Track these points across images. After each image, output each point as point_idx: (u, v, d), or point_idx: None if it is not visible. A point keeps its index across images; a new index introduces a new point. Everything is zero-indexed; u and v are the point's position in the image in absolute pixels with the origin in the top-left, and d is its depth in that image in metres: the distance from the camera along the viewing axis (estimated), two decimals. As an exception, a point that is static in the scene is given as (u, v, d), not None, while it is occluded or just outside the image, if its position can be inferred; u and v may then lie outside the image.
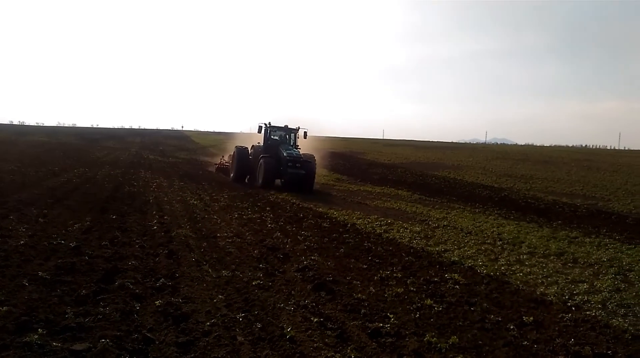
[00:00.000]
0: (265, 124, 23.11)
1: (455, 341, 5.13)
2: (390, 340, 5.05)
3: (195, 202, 14.08)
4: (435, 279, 7.74)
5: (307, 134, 23.67)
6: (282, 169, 21.47)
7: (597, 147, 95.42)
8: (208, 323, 5.01)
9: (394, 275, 7.80)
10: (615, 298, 7.46)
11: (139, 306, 5.33)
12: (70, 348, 4.08)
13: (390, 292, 6.76)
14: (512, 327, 5.72)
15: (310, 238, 10.11)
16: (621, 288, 8.09)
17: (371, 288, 6.92)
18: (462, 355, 4.78)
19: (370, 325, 5.41)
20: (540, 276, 8.45)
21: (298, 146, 23.36)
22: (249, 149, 23.81)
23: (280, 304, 5.85)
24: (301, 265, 7.73)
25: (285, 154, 21.52)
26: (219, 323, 5.06)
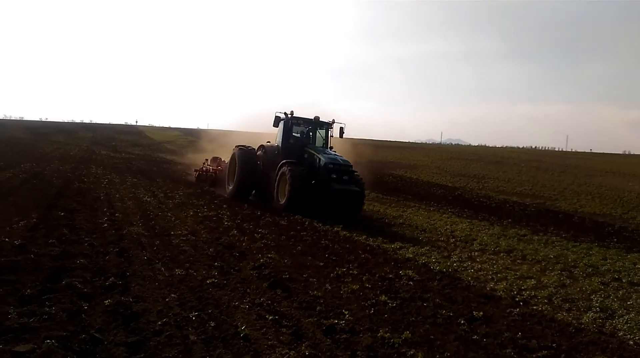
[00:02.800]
0: (285, 114, 16.16)
1: (408, 336, 5.21)
2: (344, 336, 5.08)
3: (148, 199, 13.73)
4: (390, 275, 7.85)
5: (344, 130, 16.61)
6: (319, 184, 14.25)
7: (546, 148, 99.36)
8: (159, 323, 4.89)
9: (350, 272, 7.86)
10: (560, 293, 7.79)
11: (87, 306, 5.14)
12: (13, 350, 3.89)
13: (346, 289, 6.80)
14: (462, 322, 5.87)
15: (268, 235, 10.04)
16: (566, 284, 8.46)
17: (327, 285, 6.95)
18: (414, 350, 4.86)
19: (325, 321, 5.42)
20: (491, 273, 8.71)
21: (332, 147, 16.56)
22: (256, 150, 16.95)
23: (235, 302, 5.78)
24: (257, 263, 7.66)
25: (324, 159, 14.55)
26: (171, 323, 4.95)
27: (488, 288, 7.67)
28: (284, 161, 15.05)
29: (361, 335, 5.16)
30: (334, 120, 16.64)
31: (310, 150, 15.57)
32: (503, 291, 7.51)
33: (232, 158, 17.11)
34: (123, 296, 5.57)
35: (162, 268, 6.89)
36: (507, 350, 5.12)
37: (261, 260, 7.81)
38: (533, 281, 8.32)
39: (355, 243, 10.26)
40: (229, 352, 4.43)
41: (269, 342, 4.70)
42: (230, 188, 16.86)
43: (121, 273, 6.40)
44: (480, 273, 8.66)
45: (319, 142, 16.82)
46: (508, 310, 6.55)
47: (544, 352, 5.07)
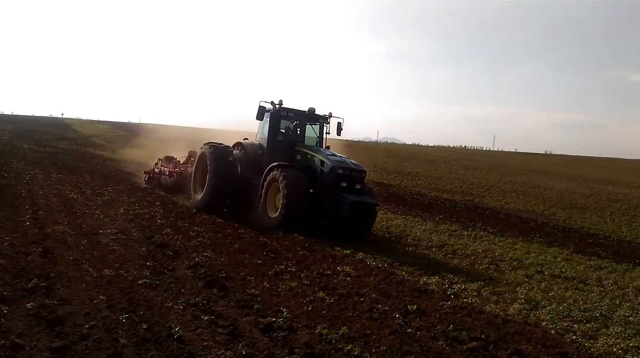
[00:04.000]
0: (272, 103, 13.12)
1: (345, 331, 5.27)
2: (282, 334, 5.04)
3: (75, 196, 13.00)
4: (328, 272, 7.91)
5: (342, 126, 13.97)
6: (323, 194, 11.41)
7: (475, 148, 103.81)
8: (87, 326, 4.65)
9: (289, 269, 7.83)
10: (488, 286, 8.16)
11: (7, 310, 4.81)
12: None
13: (284, 286, 6.77)
14: (397, 316, 6.01)
15: (204, 233, 9.81)
16: (494, 277, 8.88)
17: (265, 283, 6.88)
18: (351, 345, 4.91)
19: (262, 320, 5.36)
20: (424, 267, 8.98)
21: (329, 147, 13.89)
22: (233, 149, 13.77)
23: (169, 303, 5.59)
24: (192, 261, 7.46)
25: (330, 163, 11.56)
26: (100, 326, 4.71)
27: (421, 283, 7.90)
28: (275, 164, 11.89)
29: (299, 332, 5.15)
30: (330, 113, 13.70)
31: (306, 150, 12.64)
32: (435, 285, 7.77)
33: (201, 158, 13.77)
34: (47, 299, 5.25)
35: (90, 269, 6.56)
36: (440, 342, 5.29)
37: (196, 259, 7.61)
38: (463, 275, 8.66)
39: (294, 240, 10.24)
40: (162, 354, 4.28)
41: (204, 343, 4.58)
42: (199, 196, 13.41)
43: (45, 275, 6.02)
44: (414, 268, 8.90)
45: (309, 141, 13.84)
46: (440, 303, 6.78)
47: (474, 343, 5.28)
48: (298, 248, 9.52)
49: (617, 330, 6.49)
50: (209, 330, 4.92)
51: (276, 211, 11.57)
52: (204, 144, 13.88)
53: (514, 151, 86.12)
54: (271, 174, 11.82)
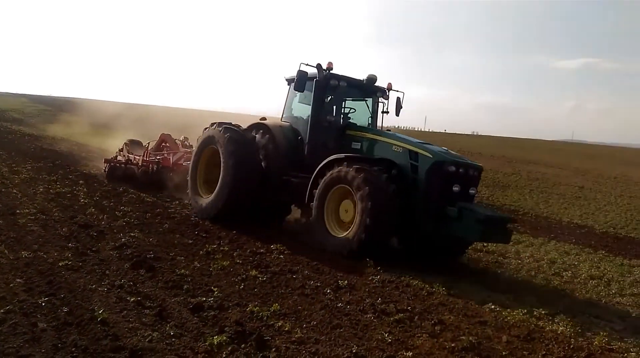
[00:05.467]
0: (319, 67, 9.49)
1: (277, 308, 5.30)
2: (212, 313, 4.99)
3: (-11, 174, 12.09)
4: (262, 250, 7.89)
5: (402, 102, 10.54)
6: (425, 205, 8.09)
7: (408, 128, 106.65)
8: (2, 311, 4.38)
9: (221, 248, 7.74)
10: (415, 260, 8.46)
11: None
12: None
13: (215, 266, 6.68)
14: (329, 291, 6.12)
15: (131, 213, 9.45)
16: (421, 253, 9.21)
17: (196, 262, 6.76)
18: (282, 321, 4.95)
19: (192, 300, 5.27)
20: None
21: (390, 130, 10.50)
22: (254, 134, 10.14)
23: (92, 285, 5.37)
24: (118, 242, 7.17)
25: (432, 156, 8.17)
26: (16, 310, 4.46)
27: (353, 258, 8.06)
28: (341, 156, 8.41)
29: (230, 310, 5.13)
30: (390, 85, 10.32)
31: (372, 136, 9.18)
32: (366, 260, 7.95)
33: (204, 145, 10.24)
34: (-45, 284, 4.87)
35: (6, 251, 6.16)
36: (368, 315, 5.45)
37: (123, 239, 7.33)
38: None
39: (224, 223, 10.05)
40: (84, 338, 4.11)
41: (130, 325, 4.45)
42: (206, 200, 9.85)
43: (-48, 259, 5.59)
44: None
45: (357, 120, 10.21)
46: (370, 278, 6.97)
47: (400, 315, 5.48)
48: (231, 228, 9.39)
49: (532, 300, 6.97)
50: (135, 312, 4.78)
51: (344, 228, 8.19)
52: (211, 125, 10.21)
53: (444, 131, 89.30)
54: (335, 171, 8.22)
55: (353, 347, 4.53)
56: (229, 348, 4.24)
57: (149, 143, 14.65)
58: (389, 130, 10.36)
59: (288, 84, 10.50)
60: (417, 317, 5.56)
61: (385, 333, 4.96)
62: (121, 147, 15.25)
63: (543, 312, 6.26)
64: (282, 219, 10.61)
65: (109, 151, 17.50)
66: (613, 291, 8.33)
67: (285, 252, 7.86)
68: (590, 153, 49.66)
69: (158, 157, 13.78)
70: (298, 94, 10.11)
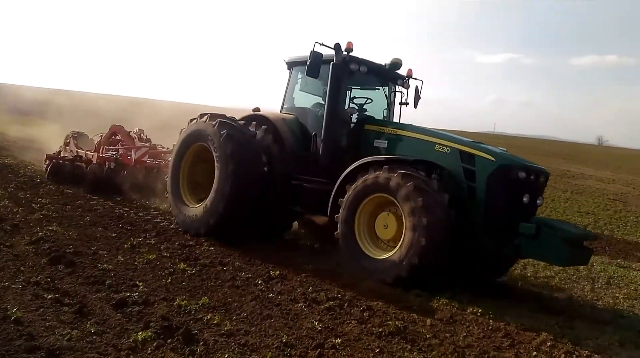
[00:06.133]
0: (337, 48, 7.85)
1: (206, 301, 5.20)
2: (137, 308, 4.82)
3: None
4: (191, 243, 7.69)
5: (420, 92, 9.17)
6: (486, 220, 6.66)
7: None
8: None
9: (147, 241, 7.46)
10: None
11: None
12: None
13: (141, 260, 6.44)
14: (260, 282, 6.08)
15: (49, 205, 8.88)
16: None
17: (120, 257, 6.48)
18: (211, 314, 4.87)
19: (115, 295, 5.06)
20: (293, 233, 9.18)
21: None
22: (255, 129, 8.43)
23: (5, 283, 5.02)
24: (35, 236, 6.72)
25: (492, 159, 6.68)
26: None
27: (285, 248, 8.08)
28: (381, 158, 7.00)
29: (156, 305, 4.97)
30: (411, 71, 8.95)
31: (406, 133, 7.64)
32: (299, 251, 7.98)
33: (190, 141, 8.46)
34: None
35: None
36: (299, 304, 5.48)
37: (40, 234, 6.88)
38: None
39: (153, 214, 9.73)
40: (-6, 340, 3.83)
41: (47, 323, 4.20)
42: (196, 211, 8.07)
43: None
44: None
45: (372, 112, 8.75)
46: (302, 267, 6.99)
47: (331, 303, 5.56)
48: (158, 219, 9.10)
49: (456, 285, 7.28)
50: (53, 310, 4.51)
51: (382, 248, 6.89)
52: (200, 117, 8.40)
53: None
54: (370, 177, 6.75)
55: (283, 336, 4.54)
56: (155, 344, 4.12)
57: (102, 135, 12.49)
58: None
59: (289, 69, 9.09)
60: (346, 304, 5.65)
61: (316, 321, 5.01)
62: (67, 141, 12.82)
63: (465, 298, 6.53)
64: (285, 231, 9.08)
65: (35, 142, 16.31)
66: (529, 274, 8.88)
67: (216, 244, 7.71)
68: (512, 144, 52.57)
69: (115, 153, 11.62)
70: (299, 80, 8.95)
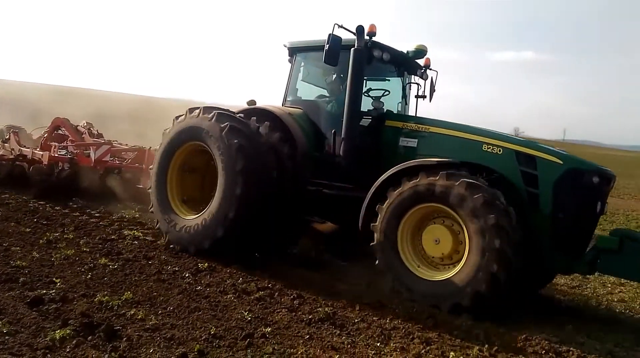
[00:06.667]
0: (359, 32, 6.66)
1: (129, 296, 5.00)
2: (54, 306, 4.55)
3: None
4: (113, 237, 7.37)
5: (435, 84, 8.19)
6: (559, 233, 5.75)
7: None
8: None
9: (65, 236, 7.05)
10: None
11: None
12: None
13: (58, 255, 6.08)
14: (187, 275, 5.94)
15: (-48, 201, 8.18)
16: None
17: (35, 253, 6.08)
18: (135, 309, 4.70)
19: (30, 293, 4.75)
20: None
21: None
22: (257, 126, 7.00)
23: None
24: (-64, 234, 6.18)
25: (560, 162, 5.78)
26: None
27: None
28: (423, 161, 6.04)
29: (75, 302, 4.72)
30: (429, 61, 8.00)
31: (442, 130, 6.64)
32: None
33: (182, 142, 7.14)
34: None
35: None
36: (229, 296, 5.40)
37: (-58, 231, 6.33)
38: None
39: (70, 207, 9.19)
40: None
41: (-50, 327, 3.88)
42: (194, 222, 6.83)
43: None
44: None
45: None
46: (233, 259, 6.88)
47: (261, 293, 5.53)
48: (77, 213, 8.63)
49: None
50: (-43, 313, 4.17)
51: (432, 266, 5.93)
52: (190, 112, 7.12)
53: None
54: (422, 183, 5.73)
55: (211, 328, 4.47)
56: (74, 342, 3.91)
57: (46, 131, 11.04)
58: None
59: (290, 56, 8.00)
60: (277, 293, 5.65)
61: (245, 311, 4.97)
62: (6, 136, 11.19)
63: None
64: (292, 245, 7.87)
65: None
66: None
67: (141, 238, 7.45)
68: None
69: (72, 154, 10.05)
70: (302, 69, 7.97)
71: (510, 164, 5.99)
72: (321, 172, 7.13)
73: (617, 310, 7.10)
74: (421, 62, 8.04)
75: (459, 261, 5.64)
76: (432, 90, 8.16)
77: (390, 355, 4.38)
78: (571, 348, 4.81)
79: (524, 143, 6.16)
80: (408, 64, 7.88)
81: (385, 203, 5.98)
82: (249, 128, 6.80)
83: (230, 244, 6.66)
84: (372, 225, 6.11)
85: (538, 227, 5.75)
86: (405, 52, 7.67)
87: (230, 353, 4.11)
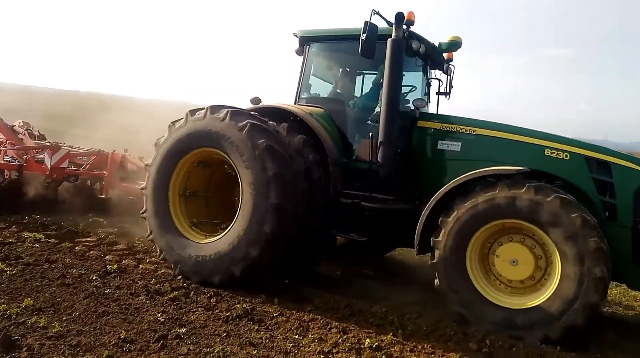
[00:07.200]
0: (399, 20, 5.77)
1: (30, 303, 4.64)
2: (-63, 320, 4.12)
3: None
4: (11, 240, 6.82)
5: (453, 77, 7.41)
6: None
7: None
8: None
9: (-47, 242, 6.41)
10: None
11: None
12: None
13: (-59, 264, 5.51)
14: (95, 278, 5.61)
15: None
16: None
17: None
18: (36, 317, 4.37)
19: None
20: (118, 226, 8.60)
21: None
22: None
23: None
24: None
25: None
26: None
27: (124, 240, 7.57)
28: (500, 169, 5.26)
29: (-36, 314, 4.30)
30: (452, 55, 7.35)
31: (492, 132, 5.87)
32: (142, 245, 7.51)
33: (188, 149, 6.02)
34: None
35: None
36: (140, 298, 5.17)
37: None
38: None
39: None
40: None
41: None
42: (214, 244, 5.76)
43: None
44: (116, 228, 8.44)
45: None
46: (148, 260, 6.61)
47: (175, 293, 5.35)
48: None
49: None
50: None
51: (503, 289, 5.19)
52: (191, 114, 5.99)
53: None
54: (500, 195, 4.96)
55: (122, 332, 4.25)
56: (-37, 357, 3.57)
57: None
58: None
59: (302, 46, 7.07)
60: (192, 292, 5.50)
61: (159, 313, 4.79)
62: None
63: (314, 278, 6.76)
64: (317, 264, 7.09)
65: None
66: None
67: (42, 240, 6.93)
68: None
69: (15, 158, 8.62)
70: (313, 64, 7.02)
71: (580, 171, 5.34)
72: (353, 181, 6.25)
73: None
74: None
75: (534, 285, 5.04)
76: (451, 86, 7.46)
77: (309, 347, 4.41)
78: (477, 330, 5.09)
79: (593, 148, 5.46)
80: (435, 58, 7.05)
81: (452, 216, 5.16)
82: (271, 127, 5.88)
83: (267, 265, 5.74)
84: (433, 239, 5.31)
85: (615, 241, 5.07)
86: (438, 44, 6.87)
87: (143, 357, 3.94)
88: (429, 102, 7.28)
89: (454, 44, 6.88)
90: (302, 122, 6.27)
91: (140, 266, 6.24)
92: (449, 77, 7.37)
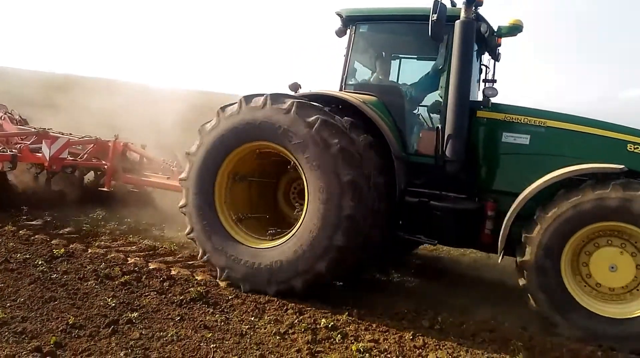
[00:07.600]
0: (469, 3, 5.21)
1: (-30, 291, 4.42)
2: None
3: None
4: (-54, 226, 6.43)
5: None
6: None
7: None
8: None
9: None
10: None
11: None
12: None
13: None
14: (41, 263, 5.37)
15: None
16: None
17: None
18: (-25, 305, 4.15)
19: None
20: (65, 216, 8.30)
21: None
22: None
23: None
24: None
25: None
26: None
27: (71, 225, 7.30)
28: (601, 167, 4.84)
29: None
30: (501, 40, 6.61)
31: (566, 125, 5.29)
32: (88, 226, 7.29)
33: (237, 143, 5.44)
34: None
35: None
36: (90, 282, 5.00)
37: None
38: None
39: None
40: None
41: None
42: (278, 249, 5.21)
43: None
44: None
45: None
46: (95, 244, 6.41)
47: (127, 277, 5.20)
48: None
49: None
50: None
51: (601, 298, 4.80)
52: (246, 101, 5.37)
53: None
54: (618, 198, 4.55)
55: (70, 318, 4.11)
56: None
57: None
58: None
59: (346, 27, 6.33)
60: (145, 276, 5.36)
61: (109, 298, 4.65)
62: None
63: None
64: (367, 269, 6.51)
65: None
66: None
67: (-18, 225, 6.58)
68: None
69: (8, 148, 7.60)
70: (351, 50, 6.27)
71: None
72: (414, 178, 5.69)
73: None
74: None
75: (625, 293, 4.72)
76: (493, 75, 6.82)
77: (264, 328, 4.41)
78: (428, 309, 5.24)
79: None
80: (490, 42, 6.39)
81: (551, 212, 4.75)
82: (339, 122, 5.21)
83: (332, 280, 5.37)
84: (525, 235, 4.90)
85: None
86: (497, 28, 6.25)
87: (92, 343, 3.82)
88: (479, 90, 6.65)
89: (515, 28, 6.28)
90: (361, 113, 5.57)
91: (89, 250, 6.03)
92: (495, 63, 6.77)
